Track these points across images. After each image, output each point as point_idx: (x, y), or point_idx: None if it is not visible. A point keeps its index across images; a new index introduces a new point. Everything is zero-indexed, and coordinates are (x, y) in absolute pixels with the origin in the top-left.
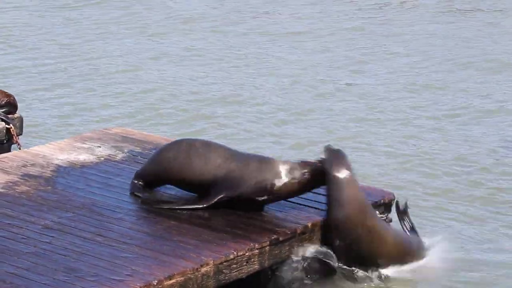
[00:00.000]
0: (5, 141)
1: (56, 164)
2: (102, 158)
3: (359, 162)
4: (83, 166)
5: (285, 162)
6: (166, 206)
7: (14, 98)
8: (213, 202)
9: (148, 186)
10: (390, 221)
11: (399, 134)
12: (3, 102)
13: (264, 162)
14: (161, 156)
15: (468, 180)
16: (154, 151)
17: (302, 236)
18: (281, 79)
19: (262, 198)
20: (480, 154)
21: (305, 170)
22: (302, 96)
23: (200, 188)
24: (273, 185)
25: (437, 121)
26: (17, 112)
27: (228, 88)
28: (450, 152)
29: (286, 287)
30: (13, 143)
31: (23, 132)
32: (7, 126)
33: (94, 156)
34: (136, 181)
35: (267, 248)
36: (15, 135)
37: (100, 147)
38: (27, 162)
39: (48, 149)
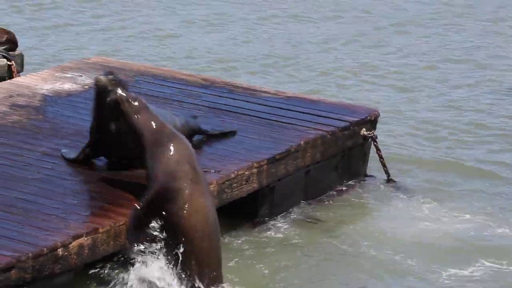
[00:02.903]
0: (6, 78)
1: (42, 94)
2: (86, 86)
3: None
4: (69, 94)
5: None
6: None
7: (14, 35)
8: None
9: None
10: (376, 137)
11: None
12: (4, 39)
13: None
14: None
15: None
16: (136, 78)
17: (295, 154)
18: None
19: None
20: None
21: None
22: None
23: None
24: None
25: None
26: (17, 49)
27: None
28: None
29: (279, 205)
30: None
31: (23, 69)
32: (8, 62)
33: (78, 85)
34: None
35: (264, 166)
36: (16, 72)
37: (82, 76)
38: (12, 92)
39: (30, 79)
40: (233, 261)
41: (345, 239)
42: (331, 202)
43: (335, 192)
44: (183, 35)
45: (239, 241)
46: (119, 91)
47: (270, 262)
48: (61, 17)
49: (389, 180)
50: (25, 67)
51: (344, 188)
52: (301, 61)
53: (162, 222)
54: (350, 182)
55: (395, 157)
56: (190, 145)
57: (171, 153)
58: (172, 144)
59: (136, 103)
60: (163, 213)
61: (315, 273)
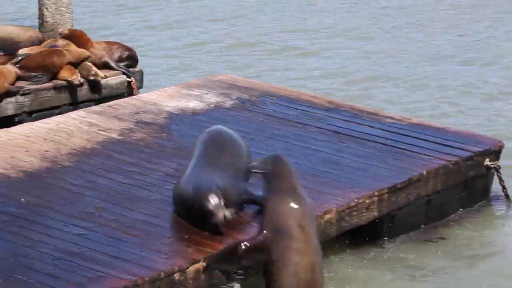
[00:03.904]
0: (126, 94)
1: (168, 111)
2: (212, 105)
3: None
4: (194, 113)
5: None
6: None
7: (135, 52)
8: None
9: None
10: (499, 168)
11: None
12: (125, 56)
13: None
14: None
15: None
16: (262, 98)
17: (417, 183)
18: None
19: None
20: None
21: None
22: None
23: None
24: None
25: None
26: (137, 66)
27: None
28: None
29: (400, 234)
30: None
31: (142, 86)
32: (128, 79)
33: (204, 103)
34: None
35: (385, 195)
36: (135, 88)
37: (207, 94)
38: (138, 109)
39: (157, 96)
40: (353, 280)
41: (468, 258)
42: (453, 224)
43: (456, 216)
44: (313, 53)
45: (360, 262)
46: None
47: (392, 281)
48: (186, 35)
49: None
50: (145, 83)
51: (466, 213)
52: (434, 83)
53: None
54: (472, 208)
55: None
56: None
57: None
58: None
59: None
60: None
61: None
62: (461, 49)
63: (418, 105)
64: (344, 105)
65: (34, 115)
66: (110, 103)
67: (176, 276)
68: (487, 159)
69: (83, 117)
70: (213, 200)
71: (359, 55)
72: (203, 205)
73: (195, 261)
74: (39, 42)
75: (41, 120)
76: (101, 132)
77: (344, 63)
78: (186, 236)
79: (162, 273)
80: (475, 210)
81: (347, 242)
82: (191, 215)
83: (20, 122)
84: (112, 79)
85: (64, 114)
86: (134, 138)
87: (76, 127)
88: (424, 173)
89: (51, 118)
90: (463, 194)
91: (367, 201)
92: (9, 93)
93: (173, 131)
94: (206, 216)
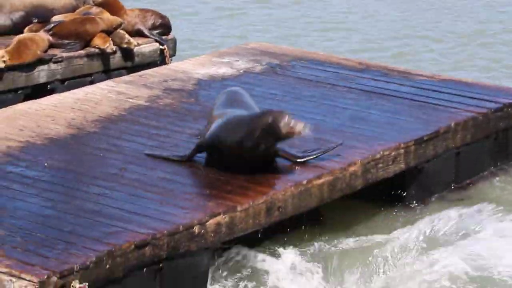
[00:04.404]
0: (158, 62)
1: (197, 78)
2: (242, 71)
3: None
4: (223, 79)
5: None
6: None
7: (168, 19)
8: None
9: None
10: None
11: None
12: (158, 23)
13: None
14: None
15: None
16: (292, 62)
17: (445, 135)
18: None
19: None
20: None
21: None
22: None
23: None
24: None
25: None
26: (170, 33)
27: None
28: None
29: (428, 187)
30: (166, 64)
31: (175, 54)
32: (161, 47)
33: (234, 70)
34: None
35: (412, 147)
36: (168, 56)
37: (238, 61)
38: (168, 77)
39: (187, 64)
40: (385, 241)
41: (499, 219)
42: (484, 183)
43: (488, 174)
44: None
45: (389, 222)
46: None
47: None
48: (223, 3)
49: None
50: (178, 52)
51: (498, 170)
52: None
53: None
54: (504, 166)
55: None
56: None
57: None
58: None
59: None
60: None
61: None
62: (494, 10)
63: (452, 62)
64: (375, 65)
65: (66, 82)
66: (140, 73)
67: (196, 229)
68: None
69: (112, 86)
70: (288, 116)
71: (396, 21)
72: (279, 119)
73: (216, 214)
74: (73, 9)
75: (69, 91)
76: (129, 99)
77: (380, 30)
78: (207, 191)
79: (181, 226)
80: (507, 169)
81: (375, 201)
82: (252, 139)
83: (52, 90)
84: (145, 46)
85: (93, 85)
86: (161, 103)
87: (104, 96)
88: (452, 125)
89: (79, 88)
90: (494, 148)
91: (393, 153)
92: (41, 61)
93: (200, 96)
94: (277, 131)
